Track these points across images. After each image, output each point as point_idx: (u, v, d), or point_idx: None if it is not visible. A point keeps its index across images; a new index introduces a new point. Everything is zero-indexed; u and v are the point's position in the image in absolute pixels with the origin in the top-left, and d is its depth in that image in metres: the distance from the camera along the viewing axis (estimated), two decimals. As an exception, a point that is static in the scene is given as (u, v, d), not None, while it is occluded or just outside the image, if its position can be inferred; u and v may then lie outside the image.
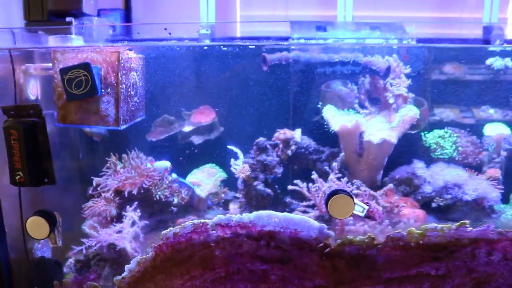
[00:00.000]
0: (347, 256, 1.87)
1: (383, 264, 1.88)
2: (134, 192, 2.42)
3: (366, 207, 1.95)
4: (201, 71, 2.78)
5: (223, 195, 2.71)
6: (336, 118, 2.40)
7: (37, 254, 2.45)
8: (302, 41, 2.30)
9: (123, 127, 2.04)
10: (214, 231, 1.89)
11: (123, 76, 2.00)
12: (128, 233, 2.35)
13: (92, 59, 1.99)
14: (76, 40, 2.25)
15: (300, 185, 2.24)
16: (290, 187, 2.26)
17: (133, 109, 2.14)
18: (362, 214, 1.96)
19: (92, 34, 2.38)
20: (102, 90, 2.00)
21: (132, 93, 2.09)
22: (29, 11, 2.20)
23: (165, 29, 2.04)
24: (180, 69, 2.68)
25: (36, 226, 2.02)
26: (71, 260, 2.51)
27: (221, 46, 2.59)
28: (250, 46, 2.60)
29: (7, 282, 2.33)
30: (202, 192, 2.51)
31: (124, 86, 2.01)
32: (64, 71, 1.93)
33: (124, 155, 2.53)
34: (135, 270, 1.97)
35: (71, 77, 1.92)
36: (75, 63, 1.97)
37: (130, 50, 2.11)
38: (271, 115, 2.68)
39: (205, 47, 2.61)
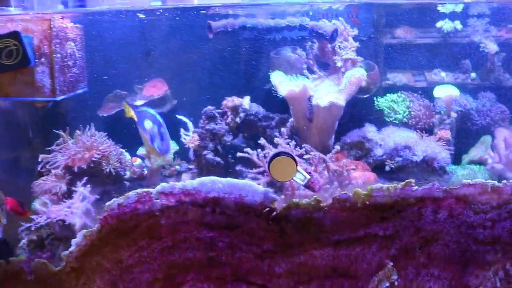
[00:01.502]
0: (294, 220, 1.86)
1: (331, 226, 1.87)
2: (84, 167, 2.37)
3: (308, 176, 1.93)
4: (149, 42, 2.72)
5: (178, 167, 2.67)
6: (283, 84, 2.37)
7: (-17, 235, 2.39)
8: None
9: (60, 97, 1.97)
10: (158, 200, 1.85)
11: (58, 45, 1.93)
12: (78, 209, 2.30)
13: (24, 29, 1.91)
14: (14, 12, 2.16)
15: (250, 152, 2.22)
16: (239, 154, 2.23)
17: (72, 80, 2.08)
18: (302, 183, 1.94)
19: (33, 8, 2.30)
20: (36, 60, 1.93)
21: (70, 63, 2.02)
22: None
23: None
24: (126, 40, 2.62)
25: (-25, 204, 1.96)
26: (24, 241, 2.45)
27: (169, 14, 2.53)
28: (200, 12, 2.54)
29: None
30: (153, 164, 2.47)
31: (59, 55, 1.94)
32: (-9, 41, 1.85)
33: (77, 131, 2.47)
34: (82, 244, 1.92)
35: (0, 47, 1.84)
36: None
37: (63, 18, 2.04)
38: (220, 84, 2.64)
39: (154, 17, 2.55)
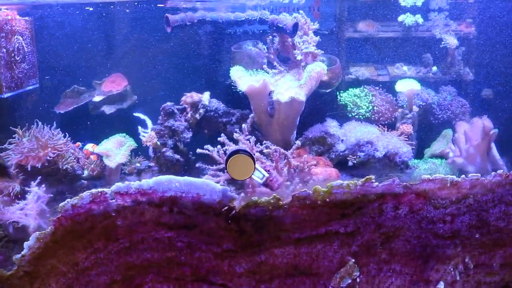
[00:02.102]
0: (253, 218, 1.83)
1: (291, 225, 1.85)
2: (39, 165, 2.28)
3: (267, 175, 1.91)
4: (109, 36, 2.64)
5: (138, 165, 2.61)
6: (243, 79, 2.33)
7: None
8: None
9: (7, 95, 1.88)
10: (113, 200, 1.79)
11: (3, 40, 1.84)
12: (32, 210, 2.22)
13: (-34, 22, 1.82)
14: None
15: (210, 149, 2.17)
16: (199, 150, 2.18)
17: (21, 75, 1.99)
18: (261, 181, 1.92)
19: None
20: (-21, 55, 1.84)
21: (18, 58, 1.93)
22: None
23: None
24: (80, 34, 2.53)
25: None
26: (-23, 243, 2.36)
27: (126, 7, 2.46)
28: (157, 5, 2.47)
29: None
30: (111, 162, 2.39)
31: (4, 50, 1.85)
32: None
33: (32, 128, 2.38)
34: (35, 247, 1.85)
35: None
36: None
37: (8, 10, 1.94)
38: (180, 79, 2.58)
39: (111, 10, 2.47)
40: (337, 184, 1.82)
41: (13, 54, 1.91)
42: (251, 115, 2.28)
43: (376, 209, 1.86)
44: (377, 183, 1.83)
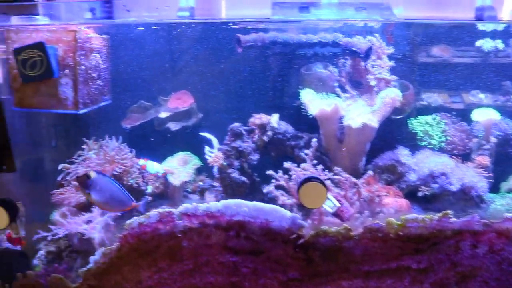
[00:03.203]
0: (322, 248, 1.78)
1: (361, 257, 1.79)
2: (105, 180, 2.31)
3: (338, 204, 1.86)
4: (178, 54, 2.66)
5: (201, 183, 2.60)
6: (314, 102, 2.28)
7: (2, 245, 2.34)
8: (276, 17, 2.15)
9: (82, 111, 1.92)
10: (180, 221, 1.79)
11: (82, 57, 1.88)
12: (98, 223, 2.24)
13: (49, 39, 1.87)
14: (41, 21, 2.12)
15: (276, 175, 2.13)
16: (269, 172, 2.14)
17: (96, 92, 2.02)
18: (331, 210, 1.87)
19: (61, 17, 2.25)
20: (60, 72, 1.88)
21: (94, 75, 1.97)
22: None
23: (124, 5, 1.91)
24: (153, 52, 2.56)
25: (-6, 215, 1.92)
26: (42, 252, 2.41)
27: (197, 27, 2.47)
28: (229, 26, 2.48)
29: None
30: (175, 180, 2.40)
31: (83, 67, 1.89)
32: (17, 51, 1.81)
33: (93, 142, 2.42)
34: (101, 262, 1.88)
35: (25, 58, 1.80)
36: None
37: (89, 28, 1.99)
38: (249, 99, 2.56)
39: (179, 29, 2.49)
40: (412, 218, 1.76)
41: (90, 71, 1.95)
42: (314, 139, 2.22)
43: (452, 246, 1.77)
44: (454, 219, 1.75)
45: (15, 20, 2.13)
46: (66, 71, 1.89)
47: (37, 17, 2.11)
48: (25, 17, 2.10)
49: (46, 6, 2.12)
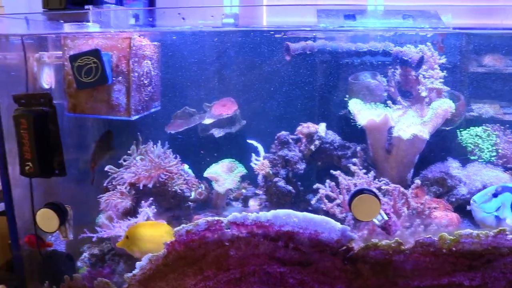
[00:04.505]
0: (371, 261, 1.75)
1: (412, 271, 1.75)
2: (150, 185, 2.32)
3: (386, 218, 1.82)
4: (223, 61, 2.66)
5: (244, 190, 2.59)
6: (363, 112, 2.25)
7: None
8: (323, 25, 2.13)
9: (135, 117, 1.94)
10: (229, 230, 1.79)
11: (135, 64, 1.90)
12: (143, 228, 2.26)
13: (103, 46, 1.91)
14: (92, 28, 2.16)
15: (324, 187, 2.10)
16: (317, 186, 2.11)
17: (147, 99, 2.04)
18: (378, 223, 1.83)
19: (109, 23, 2.29)
20: (113, 78, 1.90)
21: (146, 82, 1.99)
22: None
23: (179, 13, 1.93)
24: (200, 59, 2.57)
25: (46, 218, 1.97)
26: (85, 254, 2.45)
27: (242, 34, 2.47)
28: (275, 35, 2.47)
29: (18, 274, 2.29)
30: (220, 187, 2.39)
31: (136, 74, 1.91)
32: (73, 58, 1.85)
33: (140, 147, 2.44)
34: (147, 268, 1.89)
35: (80, 64, 1.83)
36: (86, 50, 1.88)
37: (141, 36, 2.01)
38: (295, 108, 2.54)
39: (227, 37, 2.49)
40: (466, 233, 1.71)
41: (142, 78, 1.98)
42: (358, 148, 2.18)
43: (508, 264, 1.71)
44: (511, 236, 1.69)
45: (68, 27, 2.17)
46: (120, 78, 1.91)
47: (88, 24, 2.15)
48: (77, 24, 2.14)
49: (96, 13, 2.15)
